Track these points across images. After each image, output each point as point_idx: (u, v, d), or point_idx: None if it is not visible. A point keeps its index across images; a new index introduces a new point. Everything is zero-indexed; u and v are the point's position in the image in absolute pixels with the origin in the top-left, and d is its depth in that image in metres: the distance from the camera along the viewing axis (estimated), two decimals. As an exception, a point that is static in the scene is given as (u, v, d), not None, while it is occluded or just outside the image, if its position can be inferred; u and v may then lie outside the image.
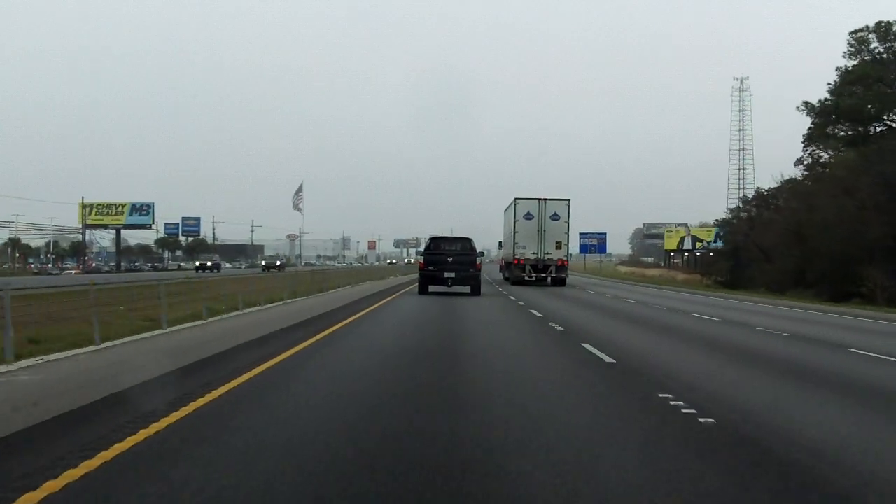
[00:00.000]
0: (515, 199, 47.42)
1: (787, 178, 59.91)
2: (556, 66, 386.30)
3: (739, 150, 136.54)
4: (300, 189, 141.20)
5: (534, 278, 46.22)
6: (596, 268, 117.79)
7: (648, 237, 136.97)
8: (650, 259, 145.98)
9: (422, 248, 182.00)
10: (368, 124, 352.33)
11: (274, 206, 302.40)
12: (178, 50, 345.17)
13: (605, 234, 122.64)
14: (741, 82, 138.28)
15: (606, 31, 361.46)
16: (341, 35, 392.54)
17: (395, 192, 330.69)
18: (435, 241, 34.79)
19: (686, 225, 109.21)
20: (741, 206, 79.56)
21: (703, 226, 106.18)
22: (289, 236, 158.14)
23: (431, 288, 33.06)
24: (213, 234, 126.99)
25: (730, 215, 79.45)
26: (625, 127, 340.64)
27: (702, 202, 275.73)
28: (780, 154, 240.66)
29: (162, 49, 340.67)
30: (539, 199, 46.76)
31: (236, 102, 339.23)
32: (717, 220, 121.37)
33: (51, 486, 4.88)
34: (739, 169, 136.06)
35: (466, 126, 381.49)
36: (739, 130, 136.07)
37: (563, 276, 46.83)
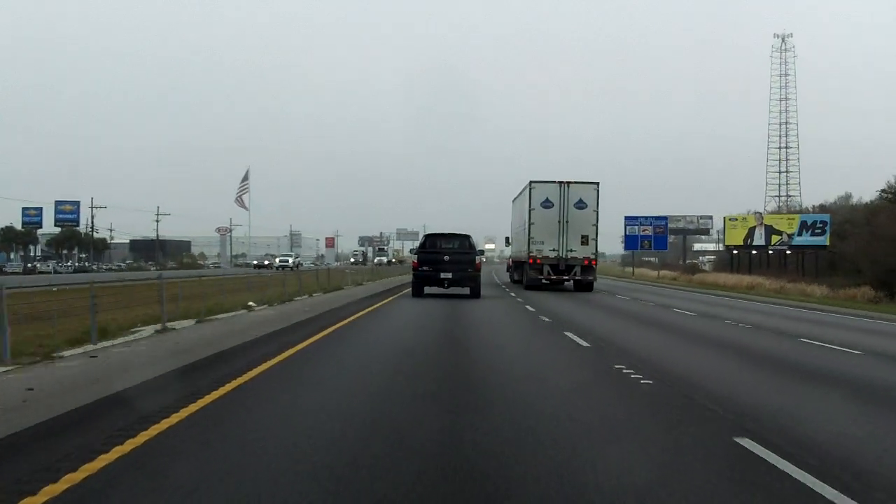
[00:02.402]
0: (531, 182, 40.57)
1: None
2: (548, 67, 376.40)
3: (781, 123, 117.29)
4: (245, 177, 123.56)
5: (552, 281, 39.87)
6: (643, 274, 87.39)
7: (668, 233, 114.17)
8: (653, 259, 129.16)
9: (385, 247, 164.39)
10: (342, 119, 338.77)
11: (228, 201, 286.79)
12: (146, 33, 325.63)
13: (665, 218, 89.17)
14: (783, 40, 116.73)
15: (603, 29, 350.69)
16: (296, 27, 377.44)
17: (365, 189, 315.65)
18: (430, 239, 33.80)
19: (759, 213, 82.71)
20: None
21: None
22: (219, 230, 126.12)
23: (427, 290, 31.72)
24: (91, 222, 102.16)
25: None
26: (625, 122, 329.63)
27: (709, 198, 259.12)
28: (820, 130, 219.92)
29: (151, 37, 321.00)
30: (560, 183, 39.98)
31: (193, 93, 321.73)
32: (820, 203, 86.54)
33: None
34: (780, 148, 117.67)
35: (449, 124, 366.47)
36: (781, 100, 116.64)
37: (591, 278, 39.95)
